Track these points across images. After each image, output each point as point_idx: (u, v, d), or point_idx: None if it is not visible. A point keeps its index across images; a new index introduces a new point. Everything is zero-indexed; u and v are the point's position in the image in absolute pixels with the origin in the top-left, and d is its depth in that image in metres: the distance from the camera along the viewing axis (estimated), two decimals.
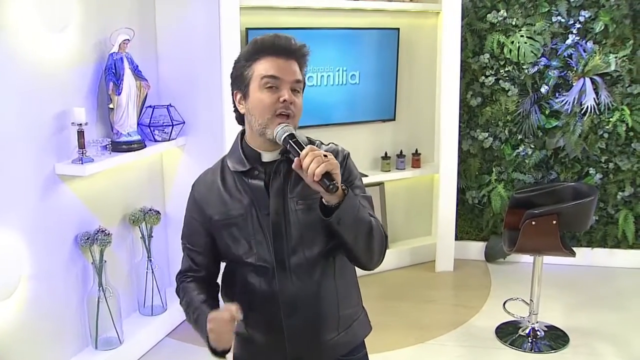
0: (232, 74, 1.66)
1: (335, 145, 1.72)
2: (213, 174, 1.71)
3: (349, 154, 1.72)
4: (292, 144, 1.53)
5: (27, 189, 2.76)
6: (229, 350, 1.61)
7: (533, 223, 3.17)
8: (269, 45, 1.59)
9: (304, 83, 1.65)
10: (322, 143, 1.71)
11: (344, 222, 1.50)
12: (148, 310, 3.58)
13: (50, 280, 2.91)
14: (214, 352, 1.60)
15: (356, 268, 1.74)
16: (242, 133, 1.70)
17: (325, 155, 1.45)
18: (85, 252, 3.10)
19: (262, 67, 1.58)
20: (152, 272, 3.53)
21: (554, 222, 3.14)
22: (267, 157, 1.65)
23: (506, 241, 3.43)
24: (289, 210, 1.62)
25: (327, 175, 1.43)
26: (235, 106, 1.68)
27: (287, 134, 1.54)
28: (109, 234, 3.09)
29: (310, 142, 1.69)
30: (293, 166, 1.49)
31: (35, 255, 2.79)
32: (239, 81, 1.63)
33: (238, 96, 1.65)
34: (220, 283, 1.80)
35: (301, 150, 1.49)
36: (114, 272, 3.33)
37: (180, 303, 1.76)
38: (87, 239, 3.05)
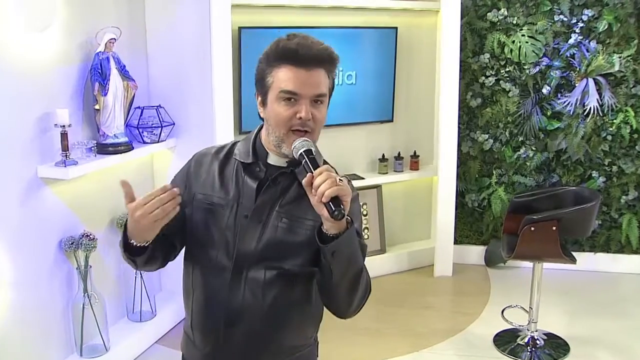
0: (255, 73, 1.57)
1: (349, 180, 1.58)
2: (216, 154, 1.63)
3: (357, 195, 1.60)
4: (307, 160, 1.44)
5: (8, 193, 2.68)
6: (146, 248, 1.51)
7: (532, 229, 3.07)
8: (291, 54, 1.47)
9: (331, 90, 1.55)
10: (337, 172, 1.60)
11: (338, 256, 1.40)
12: (137, 316, 3.49)
13: (34, 286, 2.83)
14: (129, 245, 1.50)
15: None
16: (261, 127, 1.62)
17: (341, 180, 1.36)
18: (70, 257, 3.02)
19: (282, 79, 1.48)
20: (141, 277, 3.44)
21: (554, 228, 3.04)
22: (273, 159, 1.57)
23: (505, 247, 3.33)
24: (269, 222, 1.53)
25: (336, 200, 1.34)
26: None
27: (304, 149, 1.45)
28: (94, 238, 3.01)
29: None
30: (303, 182, 1.39)
31: (17, 260, 2.71)
32: (260, 85, 1.54)
33: (259, 99, 1.56)
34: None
35: (315, 169, 1.40)
36: (102, 278, 3.25)
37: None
38: (72, 243, 2.96)
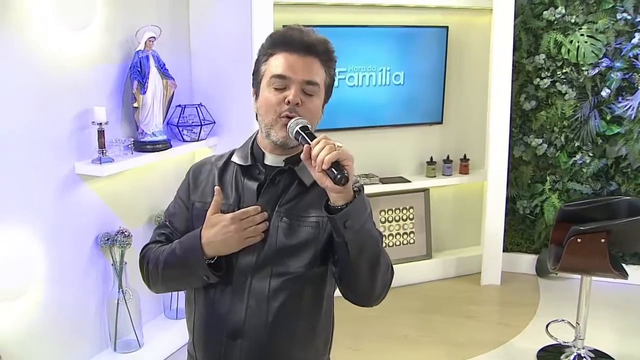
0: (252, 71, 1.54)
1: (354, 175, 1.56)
2: (214, 162, 1.59)
3: (363, 186, 1.51)
4: (304, 135, 1.37)
5: (47, 188, 2.72)
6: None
7: (579, 240, 2.89)
8: (281, 39, 1.45)
9: (327, 86, 1.50)
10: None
11: (351, 227, 1.30)
12: (173, 313, 3.51)
13: (70, 280, 2.88)
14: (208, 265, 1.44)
15: (334, 316, 1.56)
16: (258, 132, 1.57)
17: (340, 146, 1.30)
18: (105, 253, 3.05)
19: (274, 64, 1.44)
20: None
21: (603, 240, 2.85)
22: (270, 159, 1.51)
23: (551, 257, 3.16)
24: (270, 224, 1.45)
25: (337, 165, 1.27)
26: None
27: (300, 126, 1.39)
28: (129, 235, 3.03)
29: None
30: (302, 156, 1.34)
31: (53, 254, 2.76)
32: (254, 78, 1.52)
33: (253, 93, 1.53)
34: None
35: (312, 140, 1.34)
36: (139, 275, 3.27)
37: (147, 267, 1.56)
38: (107, 239, 3.00)
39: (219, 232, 1.42)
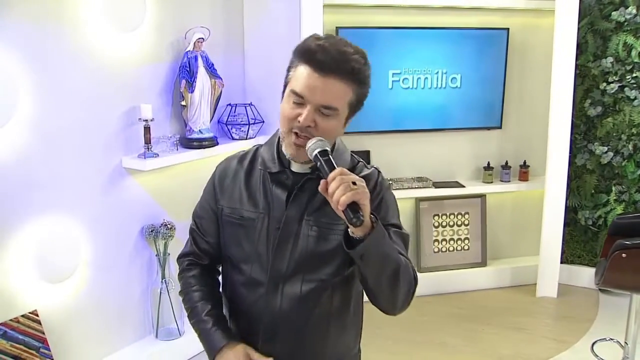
0: None
1: (378, 171, 1.55)
2: (240, 163, 1.58)
3: (389, 186, 1.53)
4: (322, 162, 1.35)
5: (96, 180, 2.90)
6: None
7: (623, 255, 2.73)
8: (309, 54, 1.39)
9: (352, 105, 1.44)
10: (366, 166, 1.56)
11: (367, 259, 1.33)
12: None
13: (115, 268, 3.04)
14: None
15: (363, 309, 1.61)
16: None
17: (354, 183, 1.28)
18: (150, 243, 3.20)
19: (296, 77, 1.41)
20: None
21: None
22: (295, 167, 1.51)
23: (599, 272, 3.00)
24: (300, 232, 1.48)
25: (353, 205, 1.27)
26: None
27: (318, 150, 1.37)
28: (171, 227, 3.16)
29: (353, 162, 1.54)
30: (319, 188, 1.32)
31: (100, 242, 2.93)
32: (285, 77, 1.47)
33: (283, 90, 1.50)
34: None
35: (330, 172, 1.31)
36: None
37: (180, 292, 1.67)
38: (152, 231, 3.14)
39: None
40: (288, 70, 1.45)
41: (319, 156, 1.36)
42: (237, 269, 1.54)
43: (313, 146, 1.37)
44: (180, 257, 1.70)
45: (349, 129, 1.56)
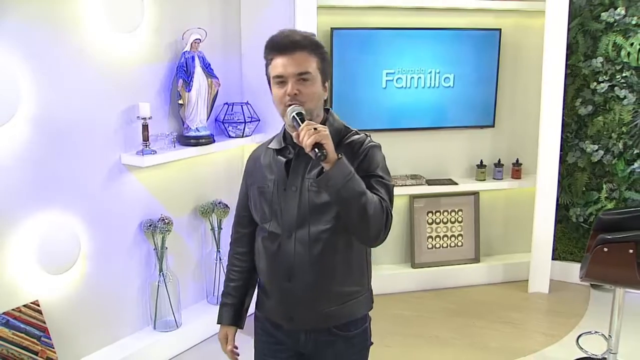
0: None
1: (367, 136, 1.85)
2: (259, 150, 1.96)
3: (376, 146, 1.83)
4: (297, 120, 1.66)
5: (96, 176, 3.00)
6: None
7: (605, 249, 2.81)
8: (272, 45, 1.77)
9: (322, 69, 1.77)
10: (357, 133, 1.86)
11: (333, 186, 1.61)
12: (215, 299, 3.72)
13: (114, 261, 3.15)
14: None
15: (370, 252, 1.90)
16: None
17: (316, 128, 1.59)
18: (149, 238, 3.30)
19: (273, 67, 1.76)
20: (220, 262, 3.66)
21: (631, 251, 2.75)
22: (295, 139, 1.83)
23: (583, 266, 3.08)
24: (303, 189, 1.79)
25: (318, 145, 1.57)
26: None
27: (295, 112, 1.69)
28: (169, 222, 3.26)
29: (346, 131, 1.84)
30: (294, 138, 1.68)
31: (99, 236, 3.03)
32: (267, 80, 1.83)
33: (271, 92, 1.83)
34: None
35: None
36: (182, 261, 3.53)
37: (227, 262, 2.09)
38: (150, 225, 3.24)
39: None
40: (266, 67, 1.81)
41: (295, 117, 1.69)
42: (261, 228, 1.89)
43: (290, 110, 1.71)
44: (233, 226, 2.07)
45: None
